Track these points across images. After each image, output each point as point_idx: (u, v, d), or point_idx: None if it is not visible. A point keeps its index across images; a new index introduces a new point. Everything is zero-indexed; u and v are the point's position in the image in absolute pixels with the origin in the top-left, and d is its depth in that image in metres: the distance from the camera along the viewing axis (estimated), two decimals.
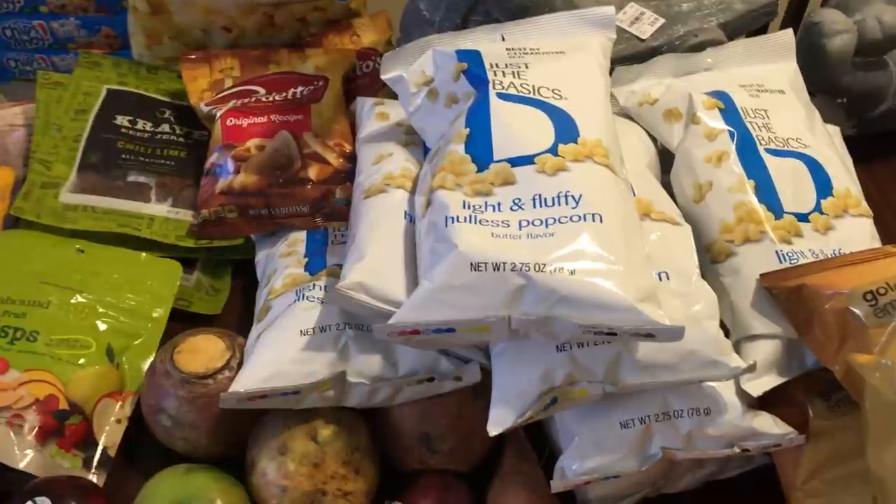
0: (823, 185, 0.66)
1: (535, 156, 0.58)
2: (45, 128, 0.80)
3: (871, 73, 0.85)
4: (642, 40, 0.83)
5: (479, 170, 0.58)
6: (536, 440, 0.66)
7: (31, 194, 0.75)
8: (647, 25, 0.83)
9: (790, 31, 0.76)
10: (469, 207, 0.56)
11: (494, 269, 0.53)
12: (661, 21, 0.83)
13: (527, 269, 0.53)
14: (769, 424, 0.60)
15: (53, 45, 0.97)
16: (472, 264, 0.54)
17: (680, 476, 0.66)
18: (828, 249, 0.63)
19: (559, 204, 0.56)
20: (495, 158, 0.58)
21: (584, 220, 0.55)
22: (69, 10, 0.94)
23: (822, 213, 0.65)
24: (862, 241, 0.64)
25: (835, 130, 0.77)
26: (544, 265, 0.53)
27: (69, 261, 0.72)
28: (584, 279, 0.53)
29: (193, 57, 0.84)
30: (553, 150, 0.58)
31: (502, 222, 0.56)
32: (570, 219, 0.55)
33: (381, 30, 0.90)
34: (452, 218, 0.56)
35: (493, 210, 0.56)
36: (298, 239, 0.72)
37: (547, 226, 0.55)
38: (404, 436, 0.63)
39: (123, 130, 0.81)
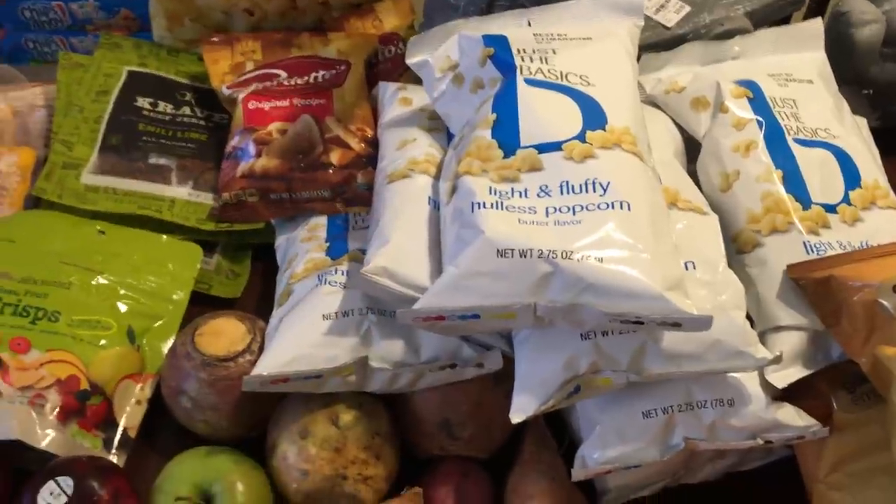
0: (852, 176, 0.65)
1: (562, 142, 0.58)
2: (66, 108, 0.80)
3: None
4: (668, 28, 0.82)
5: (506, 156, 0.58)
6: (556, 429, 0.66)
7: (52, 175, 0.75)
8: (672, 13, 0.82)
9: (819, 20, 0.75)
10: (495, 193, 0.56)
11: (521, 256, 0.53)
12: (687, 9, 0.83)
13: (554, 256, 0.53)
14: (793, 416, 0.59)
15: (72, 26, 0.97)
16: (498, 251, 0.53)
17: (700, 467, 0.65)
18: (856, 241, 0.62)
19: (587, 191, 0.55)
20: (522, 144, 0.58)
21: (612, 207, 0.54)
22: None
23: (850, 204, 0.64)
24: (890, 234, 0.63)
25: (863, 122, 0.76)
26: (571, 252, 0.53)
27: (90, 242, 0.72)
28: (611, 267, 0.52)
29: (215, 40, 0.84)
30: (581, 137, 0.58)
31: (529, 209, 0.55)
32: (598, 206, 0.55)
33: (403, 14, 0.89)
34: (479, 204, 0.55)
35: (520, 196, 0.56)
36: (319, 223, 0.72)
37: (574, 213, 0.55)
38: (425, 422, 0.63)
39: (144, 112, 0.81)
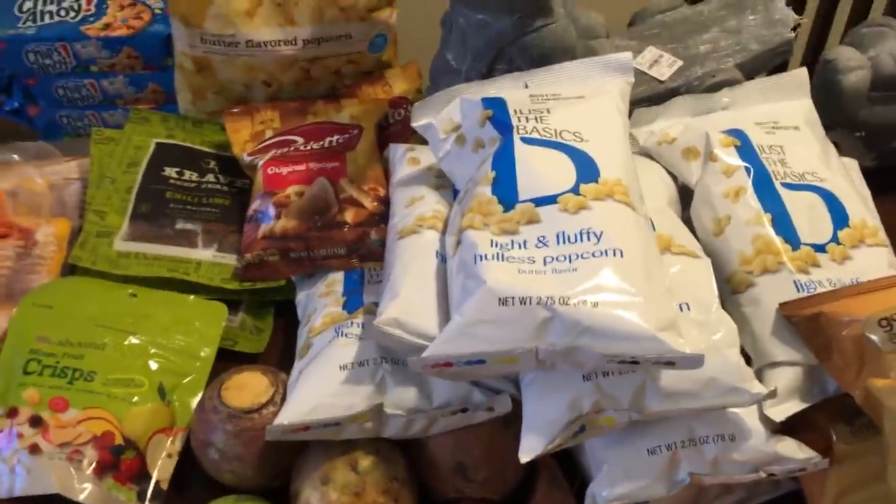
0: (839, 216, 0.68)
1: (558, 195, 0.61)
2: (99, 180, 0.85)
3: (888, 106, 0.87)
4: (661, 82, 0.86)
5: (506, 210, 0.62)
6: (568, 469, 0.68)
7: (87, 243, 0.80)
8: (665, 68, 0.86)
9: (804, 69, 0.79)
10: (496, 245, 0.60)
11: (521, 304, 0.56)
12: (679, 63, 0.87)
13: (552, 302, 0.56)
14: (793, 449, 0.62)
15: (103, 101, 1.02)
16: (500, 299, 0.57)
17: (709, 502, 0.67)
18: (845, 278, 0.65)
19: (581, 240, 0.59)
20: (520, 199, 0.62)
21: (606, 255, 0.58)
22: (118, 69, 1.00)
23: (838, 243, 0.67)
24: (879, 270, 0.66)
25: (852, 164, 0.79)
26: (568, 298, 0.56)
27: (122, 305, 0.76)
28: (606, 311, 0.56)
29: (236, 110, 0.89)
30: (575, 190, 0.61)
31: (528, 259, 0.59)
32: (593, 254, 0.58)
33: (411, 79, 0.95)
34: (481, 256, 0.59)
35: (520, 248, 0.60)
36: (336, 279, 0.76)
37: (570, 261, 0.58)
38: (440, 466, 0.66)
39: (171, 181, 0.86)
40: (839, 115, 0.86)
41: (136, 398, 0.70)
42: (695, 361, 0.55)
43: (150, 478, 0.68)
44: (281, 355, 0.78)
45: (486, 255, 0.59)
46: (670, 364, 0.56)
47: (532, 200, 0.62)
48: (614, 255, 0.58)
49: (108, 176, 0.85)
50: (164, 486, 0.68)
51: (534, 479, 0.67)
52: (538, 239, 0.60)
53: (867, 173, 0.80)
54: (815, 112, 0.77)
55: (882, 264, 0.67)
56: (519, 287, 0.57)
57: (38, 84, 1.00)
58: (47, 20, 0.98)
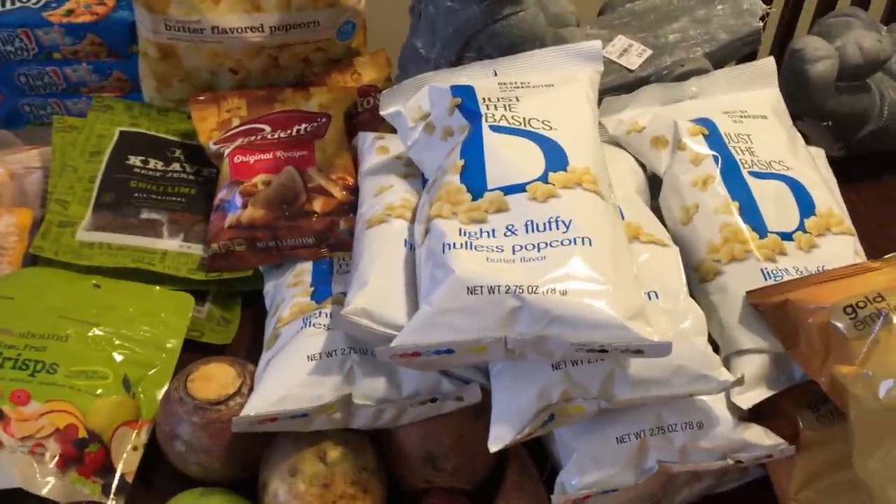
0: (806, 205, 0.69)
1: (526, 184, 0.61)
2: (61, 169, 0.84)
3: (855, 96, 0.88)
4: (631, 71, 0.86)
5: (474, 198, 0.61)
6: (538, 458, 0.68)
7: (49, 233, 0.78)
8: (635, 57, 0.86)
9: (772, 59, 0.79)
10: (465, 234, 0.59)
11: (490, 292, 0.56)
12: (649, 52, 0.87)
13: (520, 291, 0.56)
14: (760, 436, 0.62)
15: (67, 89, 1.00)
16: (468, 288, 0.56)
17: (678, 490, 0.68)
18: (812, 266, 0.66)
19: (550, 229, 0.59)
20: (489, 187, 0.61)
21: (574, 243, 0.58)
22: (81, 56, 0.98)
23: (805, 231, 0.67)
24: (845, 258, 0.67)
25: (818, 153, 0.80)
26: (537, 287, 0.56)
27: (86, 296, 0.75)
28: (575, 299, 0.56)
29: (202, 98, 0.88)
30: (544, 178, 0.61)
31: (496, 248, 0.59)
32: (561, 243, 0.58)
33: (380, 67, 0.94)
34: (449, 245, 0.59)
35: (488, 236, 0.59)
36: (305, 269, 0.75)
37: (539, 250, 0.58)
38: (410, 456, 0.66)
39: (136, 170, 0.85)
40: (807, 105, 0.87)
41: (100, 390, 0.69)
42: (663, 349, 0.56)
43: (114, 471, 0.67)
44: (249, 346, 0.78)
45: (454, 244, 0.59)
46: (639, 352, 0.56)
47: (501, 189, 0.61)
48: (583, 243, 0.58)
49: (70, 165, 0.84)
50: (130, 479, 0.67)
51: (504, 468, 0.67)
52: (507, 227, 0.59)
53: (835, 163, 0.81)
54: (783, 101, 0.78)
55: (848, 252, 0.67)
56: (487, 276, 0.57)
57: None
58: (9, 6, 0.96)
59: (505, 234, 0.59)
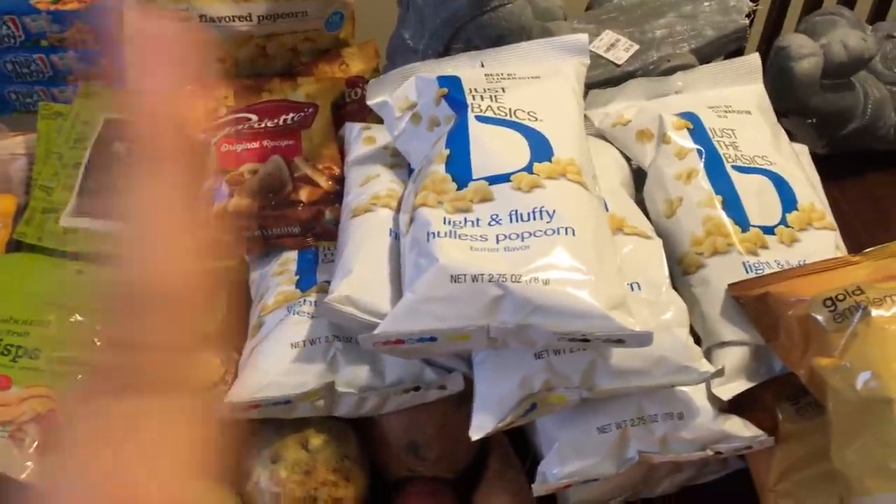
0: (788, 199, 0.69)
1: (511, 174, 0.61)
2: (45, 156, 0.84)
3: (839, 94, 0.89)
4: (618, 65, 0.86)
5: (459, 188, 0.61)
6: (520, 448, 0.69)
7: (32, 219, 0.78)
8: (622, 51, 0.87)
9: (757, 55, 0.80)
10: (449, 223, 0.60)
11: (473, 281, 0.56)
12: (636, 47, 0.87)
13: (503, 279, 0.56)
14: (740, 427, 0.63)
15: (53, 77, 1.00)
16: (452, 276, 0.57)
17: (659, 480, 0.68)
18: (793, 260, 0.66)
19: (534, 219, 0.59)
20: (474, 177, 0.62)
21: (558, 233, 0.58)
22: (69, 44, 0.98)
23: (787, 226, 0.68)
24: (826, 253, 0.67)
25: (802, 149, 0.80)
26: (520, 276, 0.56)
27: (69, 281, 0.75)
28: (557, 288, 0.56)
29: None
30: (528, 169, 0.61)
31: (480, 237, 0.59)
32: (545, 232, 0.58)
33: (368, 58, 0.94)
34: (434, 233, 0.59)
35: (472, 225, 0.60)
36: (290, 258, 0.75)
37: (523, 239, 0.58)
38: (392, 444, 0.66)
39: (121, 157, 0.84)
40: (792, 102, 0.87)
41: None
42: (644, 339, 0.56)
43: None
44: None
45: (438, 233, 0.59)
46: (620, 342, 0.56)
47: (486, 178, 0.61)
48: (566, 233, 0.58)
49: (55, 151, 0.84)
50: None
51: (486, 458, 0.68)
52: (491, 217, 0.60)
53: (819, 160, 0.82)
54: (767, 97, 0.78)
55: (829, 247, 0.68)
56: (471, 264, 0.57)
57: None
58: None
59: (489, 224, 0.59)
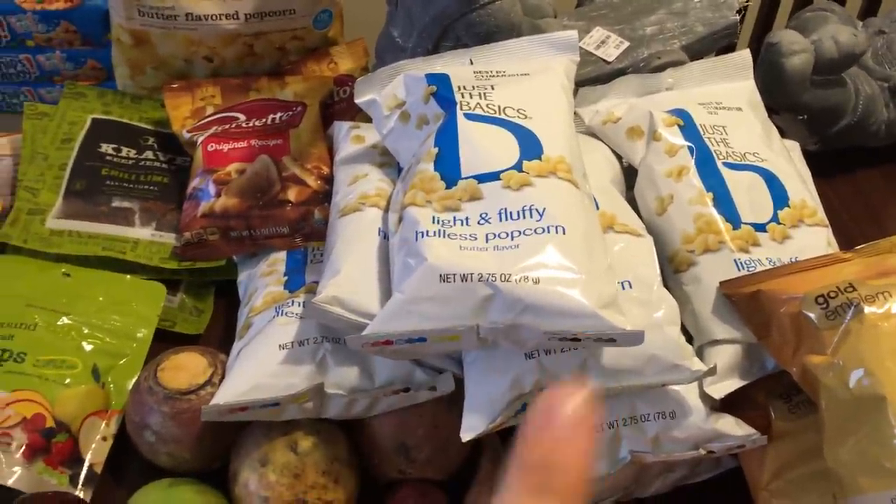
0: (780, 196, 0.69)
1: (500, 172, 0.61)
2: (31, 157, 0.83)
3: (830, 90, 0.89)
4: (608, 62, 0.86)
5: (448, 186, 0.61)
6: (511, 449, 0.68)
7: (18, 221, 0.77)
8: (612, 48, 0.86)
9: (747, 51, 0.79)
10: (438, 222, 0.59)
11: (462, 280, 0.56)
12: (626, 44, 0.87)
13: (493, 279, 0.55)
14: (732, 426, 0.62)
15: (40, 77, 0.99)
16: (441, 276, 0.56)
17: (651, 480, 0.68)
18: (785, 257, 0.66)
19: (524, 217, 0.58)
20: (463, 175, 0.61)
21: (548, 231, 0.57)
22: (55, 44, 0.97)
23: (778, 223, 0.67)
24: (818, 250, 0.67)
25: (793, 146, 0.80)
26: (510, 275, 0.56)
27: (55, 284, 0.74)
28: (548, 287, 0.55)
29: (176, 86, 0.87)
30: (518, 167, 0.61)
31: (470, 236, 0.58)
32: (535, 231, 0.58)
33: (357, 57, 0.93)
34: (422, 233, 0.58)
35: (461, 224, 0.59)
36: (279, 259, 0.74)
37: (512, 238, 0.58)
38: (382, 446, 0.65)
39: (108, 158, 0.84)
40: (783, 98, 0.87)
41: (68, 380, 0.68)
42: (635, 338, 0.55)
43: (83, 461, 0.66)
44: (221, 337, 0.77)
45: (427, 232, 0.58)
46: (611, 341, 0.56)
47: (475, 177, 0.61)
48: (556, 232, 0.57)
49: (40, 152, 0.83)
50: (98, 469, 0.67)
51: (477, 459, 0.67)
52: (480, 216, 0.59)
53: (810, 157, 0.81)
54: (758, 94, 0.78)
55: (821, 243, 0.67)
56: (460, 264, 0.56)
57: None
58: None
59: (478, 222, 0.59)
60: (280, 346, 0.63)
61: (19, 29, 0.95)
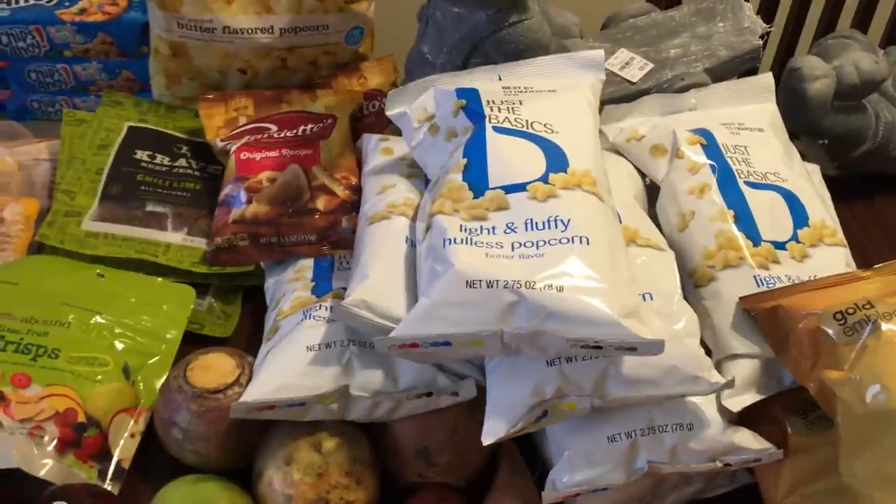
0: (800, 216, 0.70)
1: (527, 183, 0.62)
2: (69, 161, 0.85)
3: (851, 115, 0.90)
4: (632, 83, 0.88)
5: (476, 196, 0.63)
6: (530, 457, 0.69)
7: (55, 222, 0.80)
8: (636, 70, 0.88)
9: (769, 74, 0.81)
10: (465, 230, 0.61)
11: (488, 287, 0.57)
12: (650, 66, 0.89)
13: (518, 286, 0.57)
14: (749, 440, 0.63)
15: (76, 87, 1.01)
16: (467, 282, 0.58)
17: (667, 493, 0.68)
18: (804, 275, 0.67)
19: (549, 227, 0.60)
20: (490, 186, 0.63)
21: (572, 242, 0.59)
22: (92, 55, 0.99)
23: (798, 241, 0.68)
24: (837, 268, 0.68)
25: (814, 168, 0.81)
26: (535, 283, 0.57)
27: (89, 284, 0.76)
28: (571, 296, 0.57)
29: (210, 97, 0.90)
30: (544, 179, 0.63)
31: (496, 244, 0.60)
32: (560, 241, 0.59)
33: (387, 72, 0.95)
34: (450, 240, 0.60)
35: (488, 233, 0.61)
36: (306, 265, 0.76)
37: (538, 247, 0.59)
38: (404, 449, 0.67)
39: (143, 164, 0.86)
40: (804, 123, 0.88)
41: (100, 377, 0.70)
42: (656, 347, 0.57)
43: (111, 457, 0.68)
44: (248, 341, 0.78)
45: (454, 239, 0.60)
46: (632, 349, 0.57)
47: (502, 188, 0.63)
48: (580, 242, 0.59)
49: (78, 157, 0.85)
50: (126, 465, 0.68)
51: (496, 466, 0.68)
52: (507, 225, 0.61)
53: (830, 182, 0.82)
54: (779, 116, 0.79)
55: (840, 263, 0.68)
56: (486, 270, 0.58)
57: (10, 67, 0.99)
58: (22, 3, 0.98)
59: (505, 232, 0.60)
60: (307, 347, 0.65)
61: (58, 39, 0.98)
